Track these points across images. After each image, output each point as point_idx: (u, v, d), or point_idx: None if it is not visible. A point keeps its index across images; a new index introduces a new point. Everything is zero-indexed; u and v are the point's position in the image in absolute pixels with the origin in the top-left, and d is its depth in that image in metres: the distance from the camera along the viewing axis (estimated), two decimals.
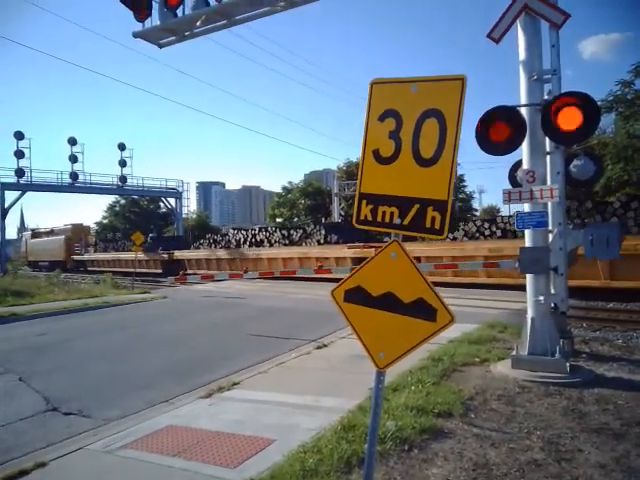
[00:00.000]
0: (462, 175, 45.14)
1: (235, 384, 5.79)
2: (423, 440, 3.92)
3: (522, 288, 6.23)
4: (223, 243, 29.89)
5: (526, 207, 6.04)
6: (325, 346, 7.70)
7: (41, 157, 51.33)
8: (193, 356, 7.66)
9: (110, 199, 58.27)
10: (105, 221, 60.82)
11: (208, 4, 9.35)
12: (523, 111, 5.87)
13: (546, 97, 5.95)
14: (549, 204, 5.99)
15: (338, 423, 4.21)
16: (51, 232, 47.66)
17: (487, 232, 19.06)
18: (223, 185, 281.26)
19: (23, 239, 53.64)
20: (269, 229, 28.40)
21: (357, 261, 17.22)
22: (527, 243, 6.11)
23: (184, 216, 45.99)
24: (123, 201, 58.52)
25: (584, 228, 6.17)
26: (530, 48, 6.03)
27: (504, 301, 11.61)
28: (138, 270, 25.66)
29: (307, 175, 75.13)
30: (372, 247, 18.13)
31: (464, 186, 46.52)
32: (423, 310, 2.40)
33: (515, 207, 6.56)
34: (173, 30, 9.98)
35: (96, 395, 5.84)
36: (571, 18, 5.76)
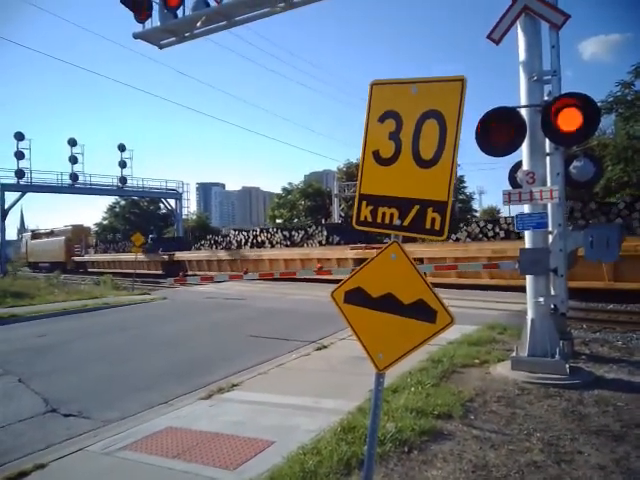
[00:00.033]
0: (462, 176, 45.25)
1: (235, 385, 5.79)
2: (423, 442, 3.91)
3: (524, 289, 6.23)
4: (224, 244, 29.81)
5: (526, 208, 6.03)
6: (325, 347, 7.70)
7: (41, 158, 51.30)
8: (193, 357, 7.65)
9: (110, 200, 58.46)
10: (105, 222, 60.79)
11: (208, 5, 9.38)
12: (523, 112, 5.86)
13: (546, 98, 5.95)
14: (549, 205, 5.97)
15: (338, 425, 4.20)
16: (51, 233, 47.69)
17: (490, 233, 18.91)
18: (223, 186, 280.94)
19: (23, 240, 53.65)
20: (270, 230, 28.29)
21: (359, 262, 17.06)
22: (527, 244, 6.10)
23: (184, 217, 46.03)
24: (123, 202, 58.54)
25: (584, 229, 6.17)
26: (530, 49, 6.03)
27: (505, 302, 11.60)
28: (138, 271, 25.67)
29: (307, 176, 75.27)
30: (374, 248, 18.09)
31: (464, 187, 46.61)
32: (423, 311, 2.39)
33: (515, 208, 6.54)
34: (173, 31, 9.99)
35: (96, 396, 5.84)
36: (571, 19, 5.76)
